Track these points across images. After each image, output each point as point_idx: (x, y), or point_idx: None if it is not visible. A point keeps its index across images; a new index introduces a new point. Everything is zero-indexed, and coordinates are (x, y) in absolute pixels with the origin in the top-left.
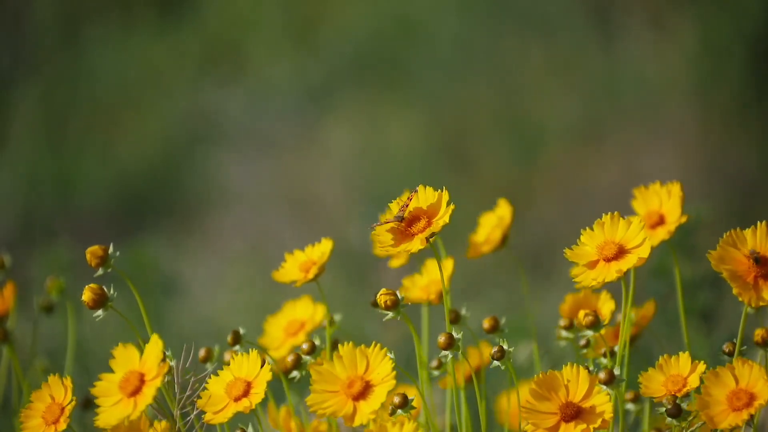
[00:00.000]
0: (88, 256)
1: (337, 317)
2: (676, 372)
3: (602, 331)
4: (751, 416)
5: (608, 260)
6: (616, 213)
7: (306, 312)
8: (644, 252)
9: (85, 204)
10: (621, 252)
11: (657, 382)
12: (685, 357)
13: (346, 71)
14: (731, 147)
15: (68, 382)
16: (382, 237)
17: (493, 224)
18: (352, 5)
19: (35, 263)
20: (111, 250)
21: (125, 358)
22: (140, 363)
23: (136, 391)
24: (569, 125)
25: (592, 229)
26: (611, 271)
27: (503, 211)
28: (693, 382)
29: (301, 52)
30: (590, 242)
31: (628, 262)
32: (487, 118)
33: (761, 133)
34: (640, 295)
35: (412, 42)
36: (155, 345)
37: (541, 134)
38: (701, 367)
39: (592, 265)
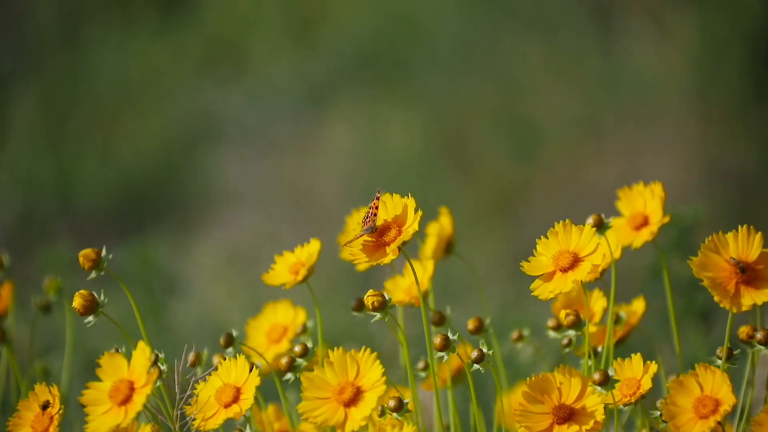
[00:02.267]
0: (80, 259)
1: (310, 323)
2: (630, 375)
3: (593, 329)
4: (719, 423)
5: (564, 270)
6: (567, 221)
7: (287, 316)
8: (597, 259)
9: (85, 204)
10: (576, 261)
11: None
12: (637, 359)
13: (346, 71)
14: (730, 146)
15: (56, 390)
16: (355, 251)
17: (435, 233)
18: (352, 5)
19: (35, 263)
20: (104, 253)
21: (113, 367)
22: (128, 371)
23: (126, 400)
24: (569, 124)
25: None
26: (567, 282)
27: (444, 220)
28: (645, 384)
29: (302, 52)
30: (546, 252)
31: (583, 270)
32: (487, 117)
33: (760, 132)
34: (638, 295)
35: (412, 41)
36: (142, 352)
37: (540, 133)
38: (653, 367)
39: (548, 277)
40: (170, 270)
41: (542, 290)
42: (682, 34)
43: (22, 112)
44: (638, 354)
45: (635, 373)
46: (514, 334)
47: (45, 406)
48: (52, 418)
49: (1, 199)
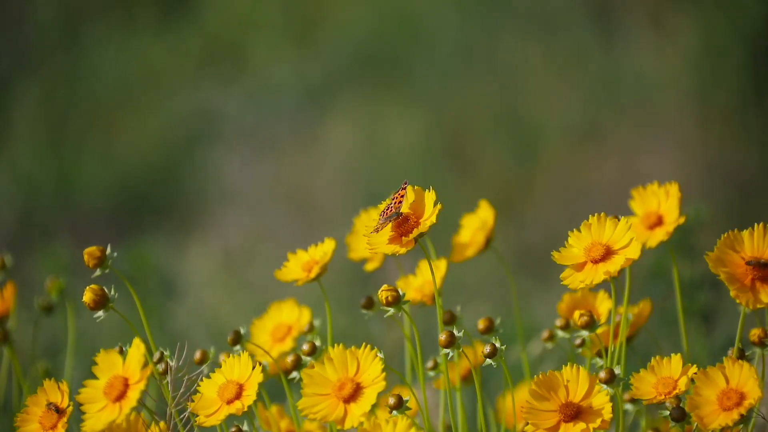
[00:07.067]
0: (85, 257)
1: (317, 322)
2: (668, 374)
3: (598, 331)
4: (742, 416)
5: (596, 262)
6: (602, 214)
7: (292, 316)
8: (632, 253)
9: (85, 204)
10: (608, 253)
11: (648, 384)
12: (676, 359)
13: (346, 70)
14: (730, 146)
15: (65, 386)
16: (373, 240)
17: (476, 227)
18: (352, 5)
19: (35, 264)
20: (109, 250)
21: (108, 364)
22: (123, 368)
23: (120, 396)
24: (569, 125)
25: (579, 230)
26: (599, 273)
27: (486, 213)
28: (682, 384)
29: (301, 52)
30: (577, 244)
31: (616, 263)
32: (487, 117)
33: (760, 132)
34: (640, 295)
35: (412, 41)
36: (137, 349)
37: (540, 134)
38: (692, 369)
39: (579, 267)
40: (168, 270)
41: (572, 279)
42: (682, 35)
43: (22, 112)
44: (678, 354)
45: (672, 372)
46: (545, 334)
47: (56, 410)
48: (63, 411)
49: (1, 199)
